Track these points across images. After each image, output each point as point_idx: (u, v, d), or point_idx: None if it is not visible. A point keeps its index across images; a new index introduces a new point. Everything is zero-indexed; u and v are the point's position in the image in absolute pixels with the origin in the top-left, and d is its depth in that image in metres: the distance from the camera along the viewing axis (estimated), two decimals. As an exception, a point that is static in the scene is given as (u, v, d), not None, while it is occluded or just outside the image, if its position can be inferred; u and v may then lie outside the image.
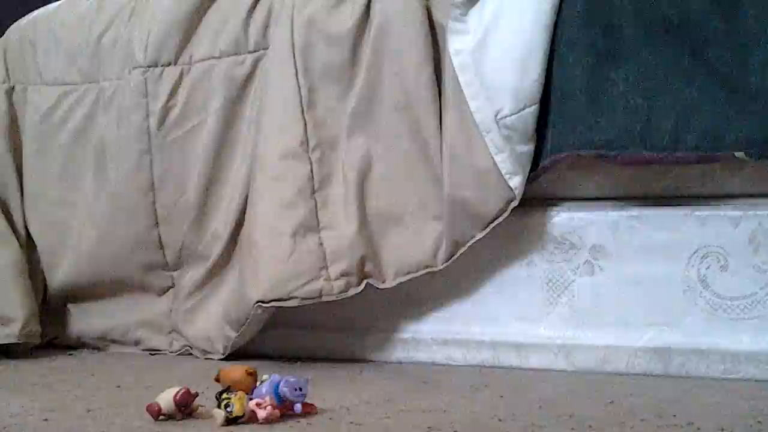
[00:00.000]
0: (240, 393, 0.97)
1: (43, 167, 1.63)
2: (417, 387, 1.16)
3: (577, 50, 1.22)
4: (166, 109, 1.51)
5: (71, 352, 1.57)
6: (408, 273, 1.31)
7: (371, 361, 1.38)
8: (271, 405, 0.96)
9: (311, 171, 1.35)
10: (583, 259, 1.25)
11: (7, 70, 1.69)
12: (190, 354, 1.50)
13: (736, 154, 1.14)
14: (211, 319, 1.46)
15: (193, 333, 1.49)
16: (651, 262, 1.21)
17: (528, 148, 1.25)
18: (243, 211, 1.43)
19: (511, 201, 1.25)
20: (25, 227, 1.64)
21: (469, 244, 1.27)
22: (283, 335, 1.43)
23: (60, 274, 1.61)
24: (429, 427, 0.92)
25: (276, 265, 1.31)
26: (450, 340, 1.33)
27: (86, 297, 1.61)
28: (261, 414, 0.96)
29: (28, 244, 1.64)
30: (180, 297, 1.53)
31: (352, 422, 0.95)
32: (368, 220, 1.33)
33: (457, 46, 1.28)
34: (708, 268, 1.19)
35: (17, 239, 1.61)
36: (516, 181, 1.24)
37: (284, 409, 0.98)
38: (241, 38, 1.47)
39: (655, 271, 1.21)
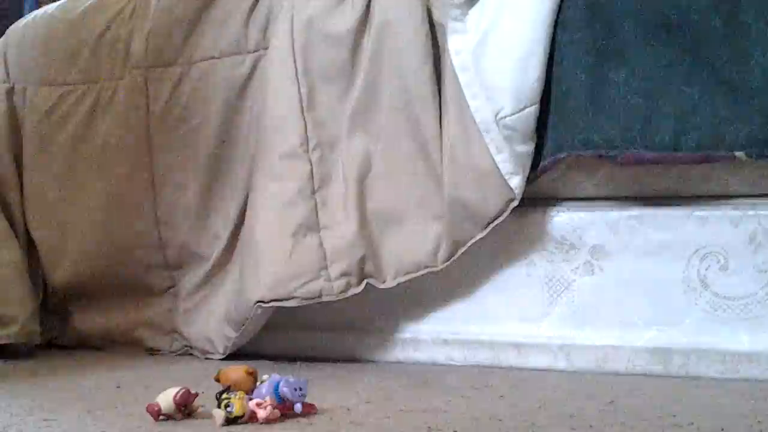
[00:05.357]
0: (240, 393, 0.97)
1: (43, 167, 1.63)
2: (417, 387, 1.16)
3: (577, 50, 1.22)
4: (166, 109, 1.51)
5: (71, 352, 1.57)
6: (408, 273, 1.31)
7: (371, 361, 1.38)
8: (271, 405, 0.96)
9: (311, 171, 1.35)
10: (583, 259, 1.25)
11: (7, 70, 1.69)
12: (190, 354, 1.50)
13: (736, 154, 1.14)
14: (212, 319, 1.46)
15: (193, 333, 1.49)
16: (651, 262, 1.21)
17: (528, 148, 1.25)
18: (243, 211, 1.43)
19: (511, 201, 1.25)
20: (25, 227, 1.64)
21: (469, 244, 1.27)
22: (283, 335, 1.43)
23: (60, 273, 1.61)
24: (429, 427, 0.92)
25: (276, 265, 1.31)
26: (450, 340, 1.33)
27: (86, 297, 1.61)
28: (261, 414, 0.96)
29: (28, 244, 1.64)
30: (180, 297, 1.53)
31: (352, 422, 0.95)
32: (368, 219, 1.33)
33: (457, 45, 1.28)
34: (708, 268, 1.19)
35: (17, 239, 1.61)
36: (516, 181, 1.24)
37: (284, 409, 0.98)
38: (241, 38, 1.47)
39: (655, 271, 1.21)
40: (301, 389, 0.97)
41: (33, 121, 1.64)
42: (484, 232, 1.26)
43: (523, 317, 1.28)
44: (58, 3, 1.76)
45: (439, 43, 1.32)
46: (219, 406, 0.96)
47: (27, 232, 1.64)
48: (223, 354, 1.44)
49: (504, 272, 1.30)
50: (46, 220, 1.63)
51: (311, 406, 1.00)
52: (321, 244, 1.31)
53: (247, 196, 1.42)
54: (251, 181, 1.41)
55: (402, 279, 1.31)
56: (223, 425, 0.95)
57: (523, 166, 1.25)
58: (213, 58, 1.49)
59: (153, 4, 1.57)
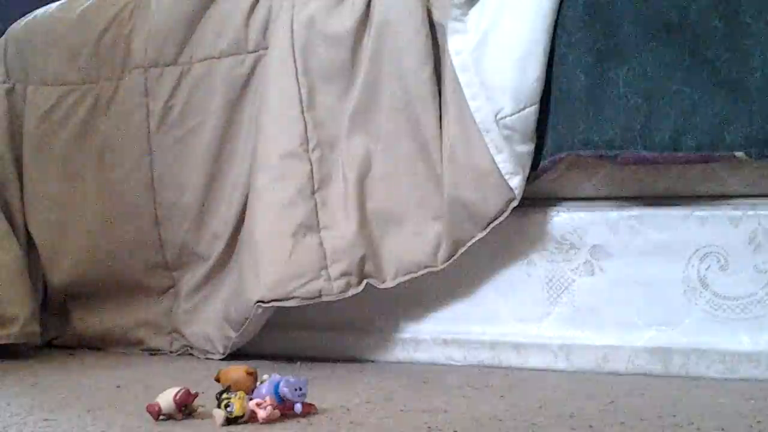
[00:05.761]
0: (240, 393, 0.97)
1: (43, 167, 1.63)
2: (417, 387, 1.16)
3: (577, 50, 1.22)
4: (166, 109, 1.51)
5: (71, 352, 1.57)
6: (408, 273, 1.31)
7: (371, 361, 1.38)
8: (271, 405, 0.96)
9: (311, 171, 1.35)
10: (583, 259, 1.25)
11: (7, 70, 1.69)
12: (190, 354, 1.50)
13: (736, 154, 1.14)
14: (211, 319, 1.46)
15: (193, 333, 1.49)
16: (651, 262, 1.21)
17: (528, 148, 1.25)
18: (243, 211, 1.43)
19: (511, 201, 1.25)
20: (25, 227, 1.64)
21: (469, 244, 1.27)
22: (283, 335, 1.43)
23: (60, 274, 1.61)
24: (429, 427, 0.92)
25: (276, 265, 1.31)
26: (450, 340, 1.33)
27: (86, 297, 1.61)
28: (261, 414, 0.96)
29: (28, 244, 1.64)
30: (180, 297, 1.53)
31: (352, 422, 0.96)
32: (368, 219, 1.33)
33: (457, 46, 1.28)
34: (708, 268, 1.19)
35: (17, 239, 1.61)
36: (516, 181, 1.24)
37: (284, 409, 0.98)
38: (241, 38, 1.47)
39: (655, 271, 1.21)
40: (301, 389, 0.97)
41: (33, 121, 1.64)
42: (484, 232, 1.26)
43: (523, 317, 1.28)
44: (58, 3, 1.76)
45: (439, 43, 1.32)
46: (219, 406, 0.96)
47: (27, 232, 1.64)
48: (223, 354, 1.44)
49: (504, 272, 1.30)
50: (46, 220, 1.63)
51: (311, 406, 1.00)
52: (321, 244, 1.31)
53: (246, 196, 1.42)
54: (251, 181, 1.41)
55: (402, 279, 1.31)
56: (223, 425, 0.95)
57: (523, 166, 1.25)
58: (213, 58, 1.49)
59: (153, 4, 1.57)
